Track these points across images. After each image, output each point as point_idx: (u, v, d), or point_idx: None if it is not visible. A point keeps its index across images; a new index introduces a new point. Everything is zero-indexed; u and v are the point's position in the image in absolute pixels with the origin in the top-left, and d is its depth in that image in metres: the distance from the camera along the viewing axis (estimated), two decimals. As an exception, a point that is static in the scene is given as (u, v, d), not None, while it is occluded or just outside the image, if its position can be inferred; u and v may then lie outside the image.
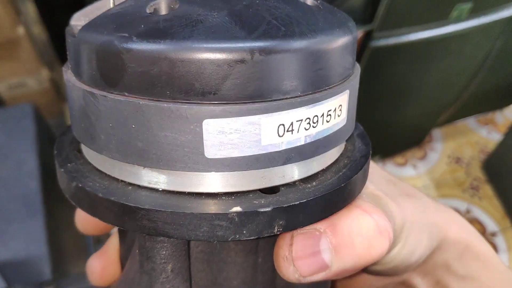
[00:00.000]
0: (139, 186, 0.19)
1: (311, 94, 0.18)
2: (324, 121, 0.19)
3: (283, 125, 0.17)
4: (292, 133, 0.18)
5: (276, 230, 0.18)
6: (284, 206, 0.18)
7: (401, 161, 1.51)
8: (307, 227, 0.20)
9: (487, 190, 1.42)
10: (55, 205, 0.71)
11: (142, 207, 0.17)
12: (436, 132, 1.58)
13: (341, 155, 0.22)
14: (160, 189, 0.19)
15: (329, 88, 0.19)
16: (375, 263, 0.23)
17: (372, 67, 0.94)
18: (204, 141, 0.17)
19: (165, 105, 0.16)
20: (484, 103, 1.43)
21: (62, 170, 0.21)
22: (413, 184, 1.43)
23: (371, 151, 0.22)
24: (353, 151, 0.22)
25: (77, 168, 0.21)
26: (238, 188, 0.18)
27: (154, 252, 0.21)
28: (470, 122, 1.62)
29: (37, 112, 0.74)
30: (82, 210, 0.20)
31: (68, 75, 0.20)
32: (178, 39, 0.16)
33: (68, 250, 0.73)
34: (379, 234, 0.20)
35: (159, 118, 0.17)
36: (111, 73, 0.17)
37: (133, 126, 0.17)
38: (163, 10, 0.18)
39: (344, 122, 0.20)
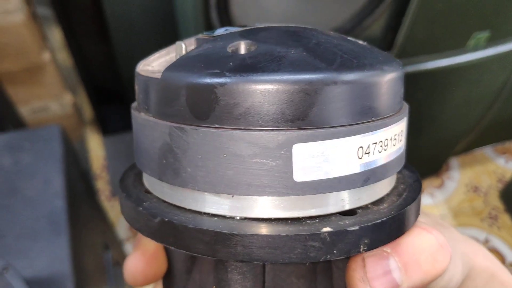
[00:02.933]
0: (224, 217, 0.19)
1: (382, 119, 0.19)
2: (392, 145, 0.20)
3: (362, 147, 0.19)
4: (369, 155, 0.19)
5: (361, 249, 0.18)
6: (369, 224, 0.18)
7: (418, 189, 1.50)
8: (374, 250, 0.20)
9: (506, 219, 1.40)
10: (79, 225, 0.72)
11: (236, 233, 0.18)
12: (453, 161, 1.58)
13: (396, 181, 0.23)
14: (247, 218, 0.19)
15: (395, 114, 0.20)
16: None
17: (390, 94, 0.95)
18: (294, 165, 0.18)
19: (258, 133, 0.18)
20: (501, 132, 1.43)
21: (141, 208, 0.21)
22: (431, 213, 1.42)
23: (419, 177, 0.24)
24: (404, 177, 0.24)
25: (154, 205, 0.21)
26: (321, 212, 0.19)
27: (237, 285, 0.22)
28: (488, 151, 1.61)
29: (64, 134, 0.76)
30: (166, 244, 0.20)
31: (144, 116, 0.21)
32: (268, 71, 0.17)
33: (89, 270, 0.74)
34: (441, 248, 0.21)
35: (251, 146, 0.18)
36: (202, 107, 0.18)
37: (224, 155, 0.18)
38: (242, 51, 0.20)
39: (404, 147, 0.21)
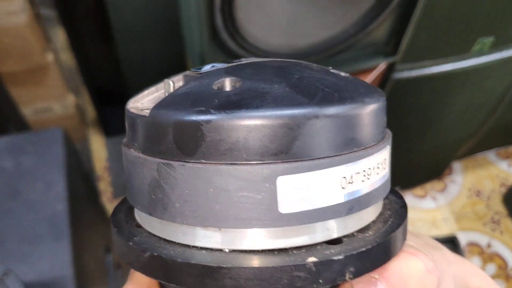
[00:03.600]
0: (212, 249, 0.20)
1: (364, 149, 0.20)
2: (375, 173, 0.21)
3: (345, 177, 0.19)
4: (352, 185, 0.19)
5: (347, 277, 0.19)
6: (354, 253, 0.19)
7: (421, 193, 1.50)
8: (362, 276, 0.21)
9: (509, 224, 1.40)
10: (81, 228, 0.72)
11: (224, 266, 0.18)
12: (456, 165, 1.58)
13: (382, 207, 0.24)
14: (235, 250, 0.19)
15: (378, 143, 0.21)
16: None
17: (393, 99, 0.95)
18: (278, 197, 0.18)
19: (243, 167, 0.18)
20: (504, 136, 1.43)
21: (131, 243, 0.21)
22: (433, 217, 1.42)
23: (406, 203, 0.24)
24: (390, 203, 0.24)
25: (144, 240, 0.21)
26: (307, 242, 0.20)
27: None
28: (490, 155, 1.61)
29: (66, 136, 0.75)
30: (156, 279, 0.20)
31: (133, 153, 0.21)
32: (252, 108, 0.18)
33: (91, 273, 0.74)
34: (428, 272, 0.21)
35: (237, 180, 0.18)
36: (189, 143, 0.19)
37: (211, 190, 0.18)
38: (227, 88, 0.20)
39: (388, 174, 0.22)
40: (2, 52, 1.19)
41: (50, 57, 1.28)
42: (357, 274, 0.19)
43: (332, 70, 0.23)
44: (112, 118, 1.59)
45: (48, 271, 0.61)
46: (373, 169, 0.20)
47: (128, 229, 0.23)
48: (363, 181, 0.20)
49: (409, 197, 1.49)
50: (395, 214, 0.23)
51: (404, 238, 0.22)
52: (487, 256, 1.34)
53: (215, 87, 0.20)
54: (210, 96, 0.19)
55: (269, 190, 0.18)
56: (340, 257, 0.18)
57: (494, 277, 1.30)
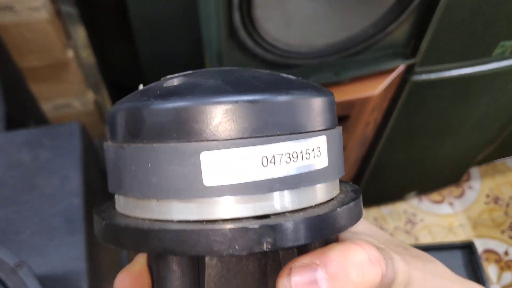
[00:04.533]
0: (154, 220, 0.22)
1: (289, 134, 0.22)
2: (304, 158, 0.22)
3: (266, 157, 0.21)
4: (274, 164, 0.21)
5: (265, 246, 0.20)
6: (271, 224, 0.20)
7: (438, 198, 1.48)
8: (304, 261, 0.22)
9: (527, 232, 1.38)
10: (95, 223, 0.72)
11: (152, 228, 0.21)
12: (474, 170, 1.55)
13: (333, 199, 0.25)
14: (169, 220, 0.22)
15: (309, 132, 0.23)
16: None
17: (412, 101, 0.94)
18: (203, 171, 0.21)
19: (172, 144, 0.21)
20: (525, 143, 1.40)
21: (97, 216, 0.25)
22: (450, 223, 1.41)
23: (361, 197, 0.26)
24: (345, 197, 0.26)
25: (109, 215, 0.25)
26: (234, 215, 0.22)
27: (168, 285, 0.25)
28: (510, 161, 1.58)
29: (84, 131, 0.76)
30: (109, 243, 0.23)
31: (107, 143, 0.25)
32: (182, 95, 0.21)
33: (104, 268, 0.74)
34: (370, 262, 0.22)
35: (168, 155, 0.21)
36: (135, 127, 0.22)
37: (149, 165, 0.22)
38: (174, 84, 0.23)
39: (325, 164, 0.24)
40: (24, 47, 1.20)
41: (70, 53, 1.29)
42: (276, 245, 0.20)
43: (281, 74, 0.25)
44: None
45: (62, 264, 0.62)
46: (300, 153, 0.22)
47: (103, 209, 0.26)
48: (287, 162, 0.22)
49: (426, 202, 1.47)
50: (340, 203, 0.24)
51: (346, 224, 0.23)
52: (504, 264, 1.32)
53: (166, 84, 0.23)
54: (157, 90, 0.23)
55: (194, 164, 0.21)
56: (255, 226, 0.20)
57: (510, 286, 1.28)
